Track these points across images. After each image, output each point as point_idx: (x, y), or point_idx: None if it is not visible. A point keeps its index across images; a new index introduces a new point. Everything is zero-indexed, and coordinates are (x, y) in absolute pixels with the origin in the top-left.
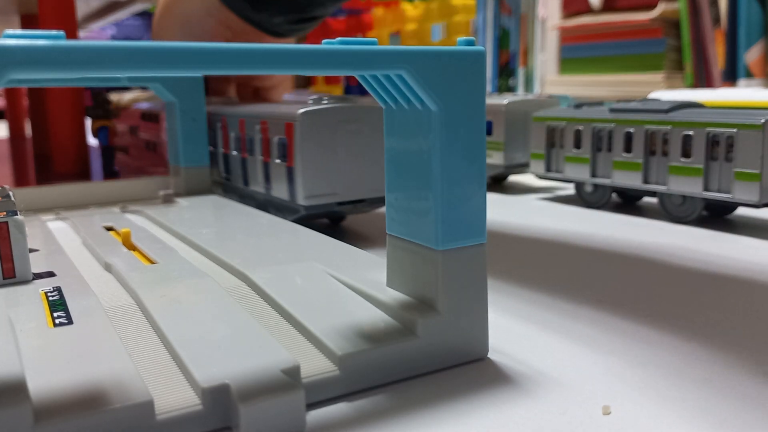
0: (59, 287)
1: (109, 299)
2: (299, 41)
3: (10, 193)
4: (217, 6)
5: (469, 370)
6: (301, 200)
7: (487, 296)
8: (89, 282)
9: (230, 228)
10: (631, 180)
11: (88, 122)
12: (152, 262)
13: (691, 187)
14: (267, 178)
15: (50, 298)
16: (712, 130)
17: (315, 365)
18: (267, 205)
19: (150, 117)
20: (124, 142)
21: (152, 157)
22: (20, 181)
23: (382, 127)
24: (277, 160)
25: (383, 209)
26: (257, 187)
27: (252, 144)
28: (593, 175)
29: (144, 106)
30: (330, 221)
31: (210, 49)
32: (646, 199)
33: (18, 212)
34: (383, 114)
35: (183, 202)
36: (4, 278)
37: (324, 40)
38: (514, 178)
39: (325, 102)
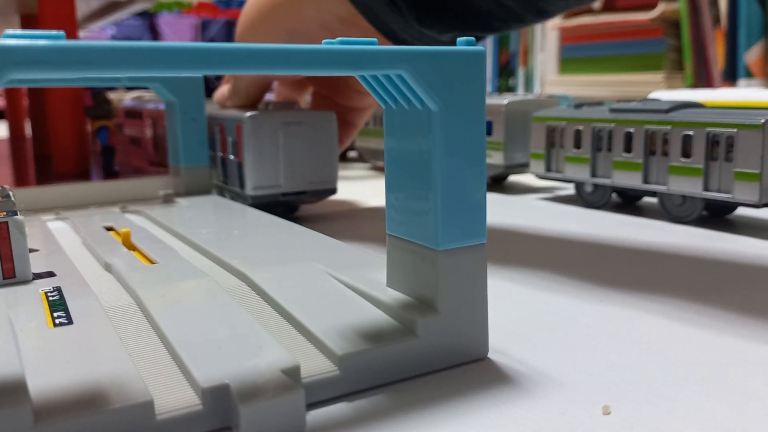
0: (59, 287)
1: (109, 299)
2: None
3: (10, 193)
4: (348, 17)
5: (469, 370)
6: (249, 191)
7: (487, 296)
8: (89, 282)
9: (230, 228)
10: (631, 180)
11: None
12: (152, 262)
13: (691, 187)
14: (224, 171)
15: (50, 298)
16: (712, 130)
17: (315, 365)
18: (224, 193)
19: (133, 114)
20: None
21: (137, 152)
22: (20, 181)
23: (322, 128)
24: (231, 156)
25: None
26: (217, 178)
27: (214, 141)
28: (593, 175)
29: (128, 103)
30: (286, 210)
31: (209, 49)
32: (646, 199)
33: (18, 212)
34: (386, 113)
35: (183, 202)
36: (4, 278)
37: (324, 40)
38: (514, 178)
39: (271, 107)
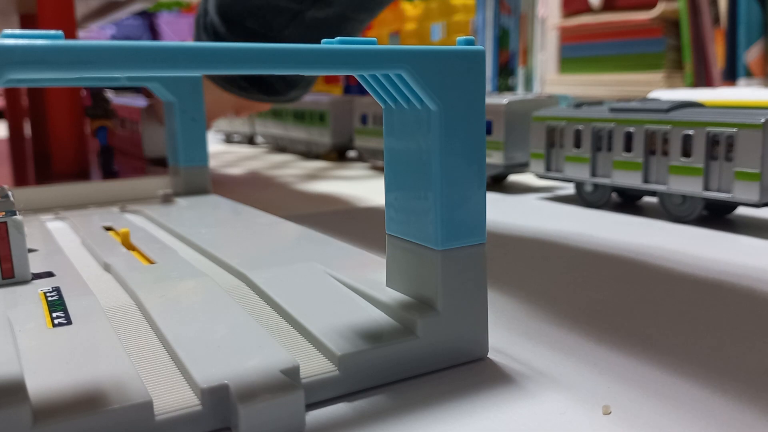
0: (58, 287)
1: (108, 299)
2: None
3: (10, 193)
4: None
5: (469, 370)
6: (148, 154)
7: (486, 296)
8: (88, 282)
9: (230, 228)
10: (631, 179)
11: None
12: (151, 262)
13: (691, 186)
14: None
15: (49, 299)
16: (712, 129)
17: (314, 365)
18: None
19: None
20: None
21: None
22: (20, 180)
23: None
24: None
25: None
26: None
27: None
28: (593, 174)
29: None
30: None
31: (210, 48)
32: (646, 199)
33: (17, 212)
34: (386, 113)
35: (182, 201)
36: (3, 278)
37: (324, 40)
38: (513, 178)
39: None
